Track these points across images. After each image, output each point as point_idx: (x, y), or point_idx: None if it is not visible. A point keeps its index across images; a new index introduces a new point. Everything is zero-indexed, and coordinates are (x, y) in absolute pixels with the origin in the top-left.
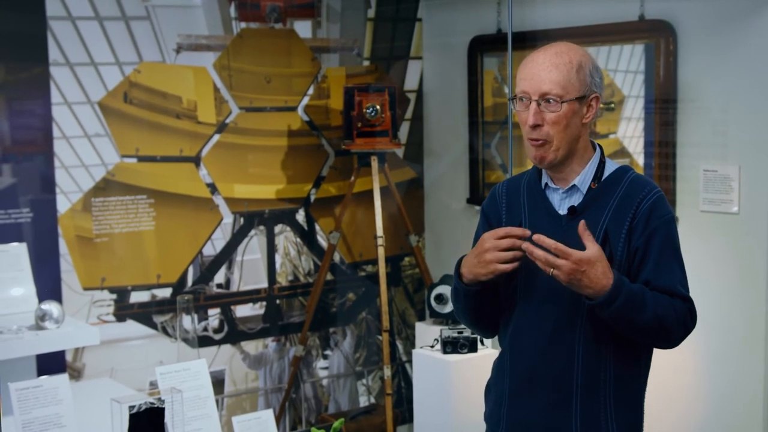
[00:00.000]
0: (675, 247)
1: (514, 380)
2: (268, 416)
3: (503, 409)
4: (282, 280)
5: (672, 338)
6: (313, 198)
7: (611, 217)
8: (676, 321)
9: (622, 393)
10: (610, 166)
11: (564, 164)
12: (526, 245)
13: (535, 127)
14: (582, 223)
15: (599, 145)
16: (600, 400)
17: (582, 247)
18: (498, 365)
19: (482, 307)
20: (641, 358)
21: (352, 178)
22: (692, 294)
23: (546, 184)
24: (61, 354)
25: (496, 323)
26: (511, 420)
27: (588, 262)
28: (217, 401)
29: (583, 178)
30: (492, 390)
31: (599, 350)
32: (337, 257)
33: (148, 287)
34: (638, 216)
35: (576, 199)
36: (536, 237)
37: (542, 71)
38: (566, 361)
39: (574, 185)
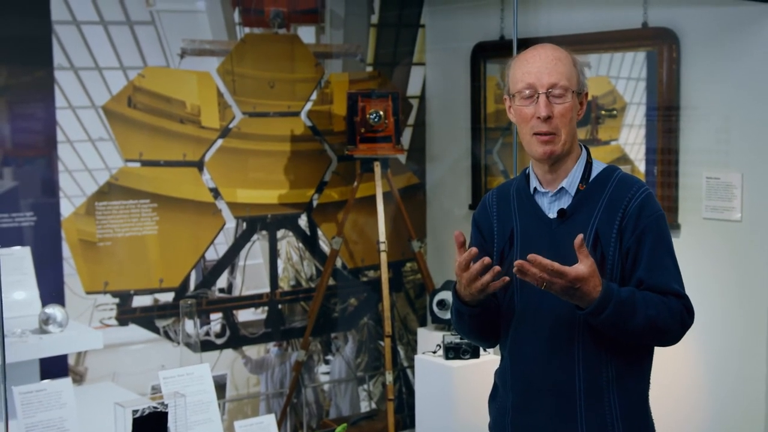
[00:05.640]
0: (666, 244)
1: (517, 389)
2: (269, 421)
3: (507, 418)
4: (284, 285)
5: (669, 337)
6: (315, 203)
7: (601, 219)
8: (671, 320)
9: (625, 394)
10: (597, 167)
11: (563, 160)
12: (518, 264)
13: (547, 119)
14: (579, 237)
15: (585, 146)
16: (604, 402)
17: (573, 249)
18: (500, 374)
19: (486, 323)
20: (642, 358)
21: (355, 183)
22: (695, 301)
23: (535, 188)
24: (63, 358)
25: (498, 334)
26: (516, 429)
27: (582, 279)
28: (218, 406)
29: (570, 180)
30: (495, 399)
31: (599, 353)
32: (339, 262)
33: (151, 291)
34: (627, 216)
35: (565, 202)
36: (531, 257)
37: (548, 64)
38: (567, 367)
39: (562, 188)
